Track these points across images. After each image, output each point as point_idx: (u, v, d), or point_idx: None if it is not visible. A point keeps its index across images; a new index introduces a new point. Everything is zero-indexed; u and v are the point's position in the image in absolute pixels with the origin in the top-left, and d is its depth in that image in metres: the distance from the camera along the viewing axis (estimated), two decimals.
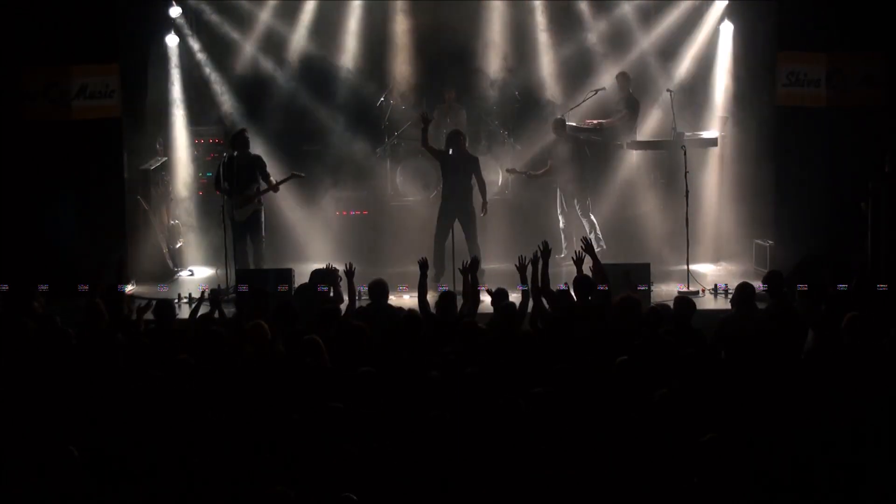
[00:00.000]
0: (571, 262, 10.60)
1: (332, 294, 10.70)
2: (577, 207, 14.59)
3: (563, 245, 14.48)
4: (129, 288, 13.14)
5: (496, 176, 15.45)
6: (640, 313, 9.30)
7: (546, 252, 10.25)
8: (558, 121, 14.83)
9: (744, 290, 10.04)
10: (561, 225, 14.75)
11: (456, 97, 15.89)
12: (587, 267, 10.48)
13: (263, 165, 13.92)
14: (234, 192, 13.66)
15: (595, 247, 13.77)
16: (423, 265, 10.61)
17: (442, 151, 13.80)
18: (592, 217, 14.59)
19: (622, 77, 15.26)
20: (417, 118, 14.14)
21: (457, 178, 13.66)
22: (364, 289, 10.80)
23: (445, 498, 6.78)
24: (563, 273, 12.88)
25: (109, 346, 8.96)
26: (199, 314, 10.34)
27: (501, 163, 15.42)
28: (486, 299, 10.51)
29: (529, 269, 10.18)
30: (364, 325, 9.08)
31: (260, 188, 13.84)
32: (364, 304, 10.69)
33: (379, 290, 10.35)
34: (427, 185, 15.12)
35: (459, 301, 10.33)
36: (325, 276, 10.89)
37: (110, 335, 9.16)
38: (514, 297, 10.23)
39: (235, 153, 13.73)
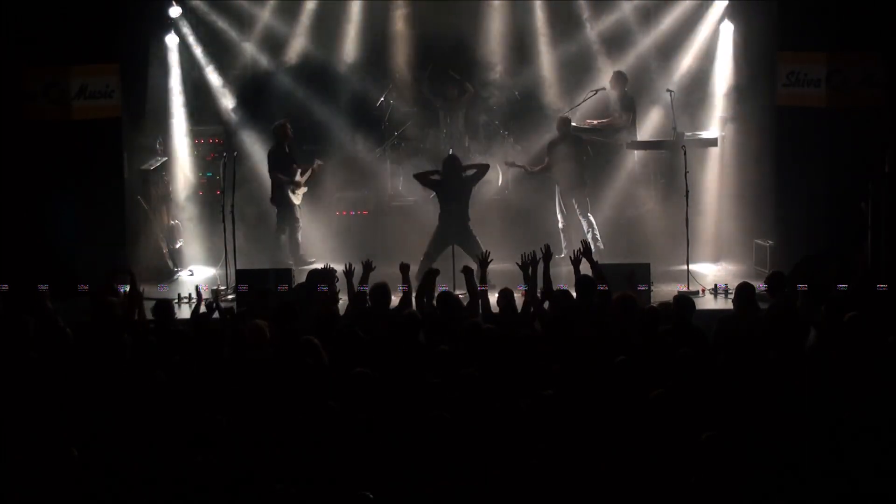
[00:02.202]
0: (570, 262, 10.60)
1: (329, 294, 10.69)
2: (576, 206, 14.59)
3: (563, 245, 14.47)
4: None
5: (495, 174, 15.45)
6: (636, 311, 9.30)
7: (547, 255, 10.26)
8: (564, 119, 14.83)
9: (744, 291, 10.04)
10: (560, 225, 14.75)
11: (457, 96, 15.89)
12: (585, 268, 10.48)
13: (296, 155, 14.92)
14: (289, 179, 14.60)
15: (592, 247, 13.84)
16: (404, 268, 10.72)
17: (436, 182, 13.73)
18: (591, 217, 14.59)
19: (617, 76, 15.26)
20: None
21: (454, 203, 13.56)
22: (365, 289, 10.77)
23: (446, 497, 6.78)
24: (563, 273, 12.86)
25: (115, 345, 8.94)
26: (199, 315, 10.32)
27: (500, 160, 15.42)
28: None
29: (530, 269, 10.18)
30: (359, 329, 9.09)
31: (296, 176, 14.73)
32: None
33: (380, 293, 10.29)
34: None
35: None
36: (322, 276, 10.88)
37: (117, 335, 9.15)
38: (516, 297, 10.23)
39: (278, 143, 14.68)
